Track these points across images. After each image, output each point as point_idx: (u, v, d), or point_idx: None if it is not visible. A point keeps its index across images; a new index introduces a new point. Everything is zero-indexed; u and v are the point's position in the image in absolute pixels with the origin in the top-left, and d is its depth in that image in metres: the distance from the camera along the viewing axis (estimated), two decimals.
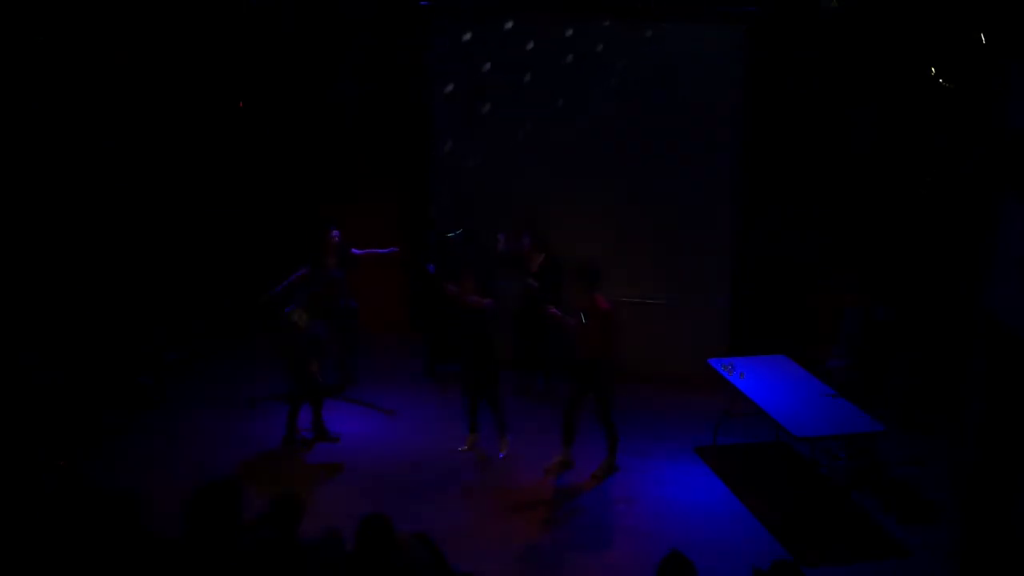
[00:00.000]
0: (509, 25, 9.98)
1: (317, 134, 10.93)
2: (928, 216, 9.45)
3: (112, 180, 9.67)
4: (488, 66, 10.11)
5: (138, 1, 9.35)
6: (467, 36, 10.10)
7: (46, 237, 8.97)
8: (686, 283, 10.05)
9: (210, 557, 4.19)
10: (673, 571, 4.37)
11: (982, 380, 6.78)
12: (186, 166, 10.60)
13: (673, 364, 9.92)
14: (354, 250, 9.36)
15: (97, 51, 9.12)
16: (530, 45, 9.95)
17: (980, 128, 7.52)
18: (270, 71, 10.46)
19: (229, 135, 10.79)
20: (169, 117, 10.20)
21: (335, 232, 9.17)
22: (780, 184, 9.79)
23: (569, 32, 9.87)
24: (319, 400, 8.60)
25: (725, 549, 7.01)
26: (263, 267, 11.09)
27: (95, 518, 4.29)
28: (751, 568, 4.90)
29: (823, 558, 6.95)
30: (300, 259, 9.07)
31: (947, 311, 9.21)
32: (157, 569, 4.24)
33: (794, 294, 10.01)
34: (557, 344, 9.76)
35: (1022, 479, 6.41)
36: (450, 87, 10.27)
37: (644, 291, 10.07)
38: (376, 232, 9.97)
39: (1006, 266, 6.42)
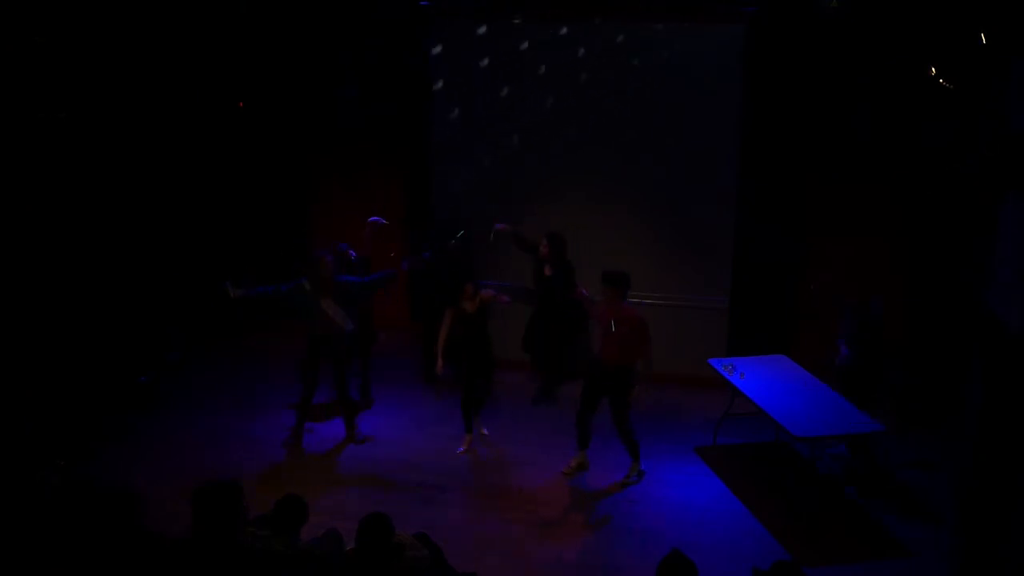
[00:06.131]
0: (509, 25, 9.98)
1: (318, 134, 10.94)
2: (929, 216, 9.46)
3: (113, 181, 9.67)
4: (488, 66, 10.11)
5: (139, 1, 9.34)
6: (467, 36, 10.10)
7: (47, 238, 8.96)
8: (686, 283, 10.05)
9: (211, 557, 4.18)
10: (673, 571, 4.37)
11: (982, 380, 6.78)
12: (187, 166, 10.60)
13: (673, 364, 9.92)
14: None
15: (99, 52, 9.12)
16: (530, 45, 9.95)
17: (981, 128, 7.51)
18: (270, 71, 10.45)
19: (229, 135, 10.79)
20: (168, 118, 10.20)
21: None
22: (780, 183, 9.79)
23: (569, 32, 9.86)
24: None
25: (725, 549, 7.02)
26: (263, 266, 11.12)
27: (95, 517, 4.29)
28: (751, 568, 4.91)
29: (823, 558, 6.95)
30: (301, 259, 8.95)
31: (947, 311, 9.22)
32: (157, 568, 4.24)
33: (793, 293, 10.03)
34: (573, 347, 9.72)
35: (1022, 480, 6.41)
36: (450, 87, 10.28)
37: (643, 291, 10.06)
38: (379, 228, 9.96)
39: (1006, 266, 6.42)
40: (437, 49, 10.21)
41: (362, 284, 8.41)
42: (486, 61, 10.10)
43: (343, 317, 8.27)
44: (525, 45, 9.97)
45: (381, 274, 8.59)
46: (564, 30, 9.86)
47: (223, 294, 7.97)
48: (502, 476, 8.17)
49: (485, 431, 8.76)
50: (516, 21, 9.96)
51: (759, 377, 8.34)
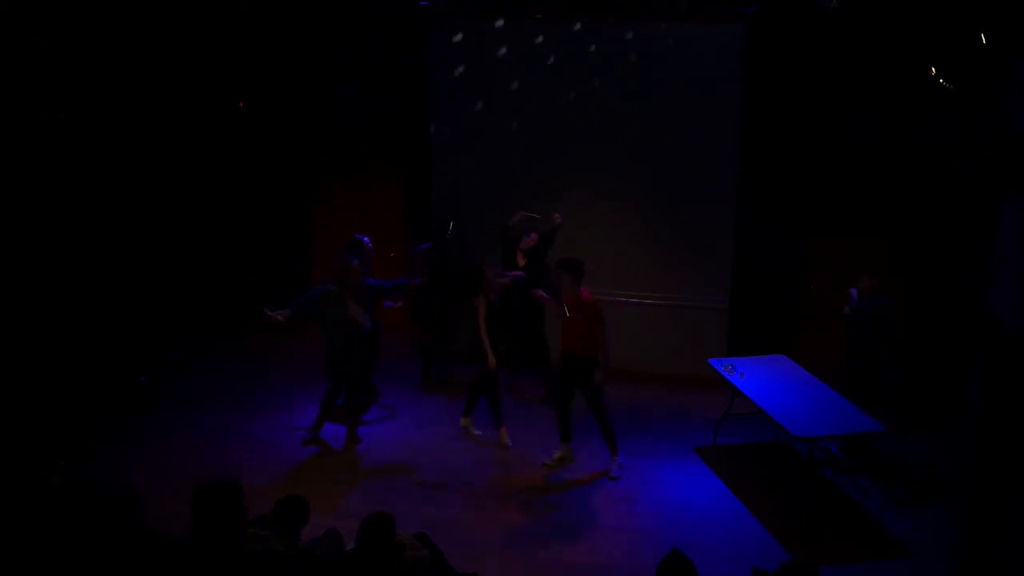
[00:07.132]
0: (509, 25, 9.98)
1: (318, 134, 10.93)
2: (929, 216, 9.45)
3: (114, 181, 9.67)
4: (487, 65, 10.11)
5: (139, 1, 9.34)
6: (467, 36, 10.10)
7: (47, 238, 8.96)
8: (686, 283, 10.05)
9: (211, 557, 4.18)
10: (673, 571, 4.37)
11: (982, 380, 6.78)
12: (187, 166, 10.60)
13: (673, 364, 9.93)
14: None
15: (99, 52, 9.11)
16: (529, 45, 9.95)
17: (981, 128, 7.51)
18: (270, 71, 10.46)
19: (229, 135, 10.79)
20: (168, 118, 10.20)
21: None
22: (780, 183, 9.79)
23: (569, 32, 9.86)
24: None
25: (725, 549, 7.02)
26: (264, 266, 11.13)
27: (95, 517, 4.29)
28: (751, 568, 4.91)
29: (823, 558, 6.94)
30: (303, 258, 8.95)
31: (948, 311, 9.22)
32: (157, 568, 4.24)
33: (794, 293, 10.02)
34: (539, 339, 9.73)
35: (1022, 480, 6.41)
36: (450, 86, 10.27)
37: (643, 291, 10.08)
38: (379, 228, 9.98)
39: (1006, 266, 6.42)
40: (437, 49, 10.21)
41: (384, 288, 8.71)
42: (486, 61, 10.10)
43: (362, 316, 8.42)
44: (525, 45, 9.97)
45: (402, 281, 8.93)
46: (563, 30, 9.86)
47: (266, 319, 8.16)
48: (502, 475, 8.17)
49: (478, 432, 8.77)
50: (516, 21, 9.96)
51: (759, 377, 8.34)
